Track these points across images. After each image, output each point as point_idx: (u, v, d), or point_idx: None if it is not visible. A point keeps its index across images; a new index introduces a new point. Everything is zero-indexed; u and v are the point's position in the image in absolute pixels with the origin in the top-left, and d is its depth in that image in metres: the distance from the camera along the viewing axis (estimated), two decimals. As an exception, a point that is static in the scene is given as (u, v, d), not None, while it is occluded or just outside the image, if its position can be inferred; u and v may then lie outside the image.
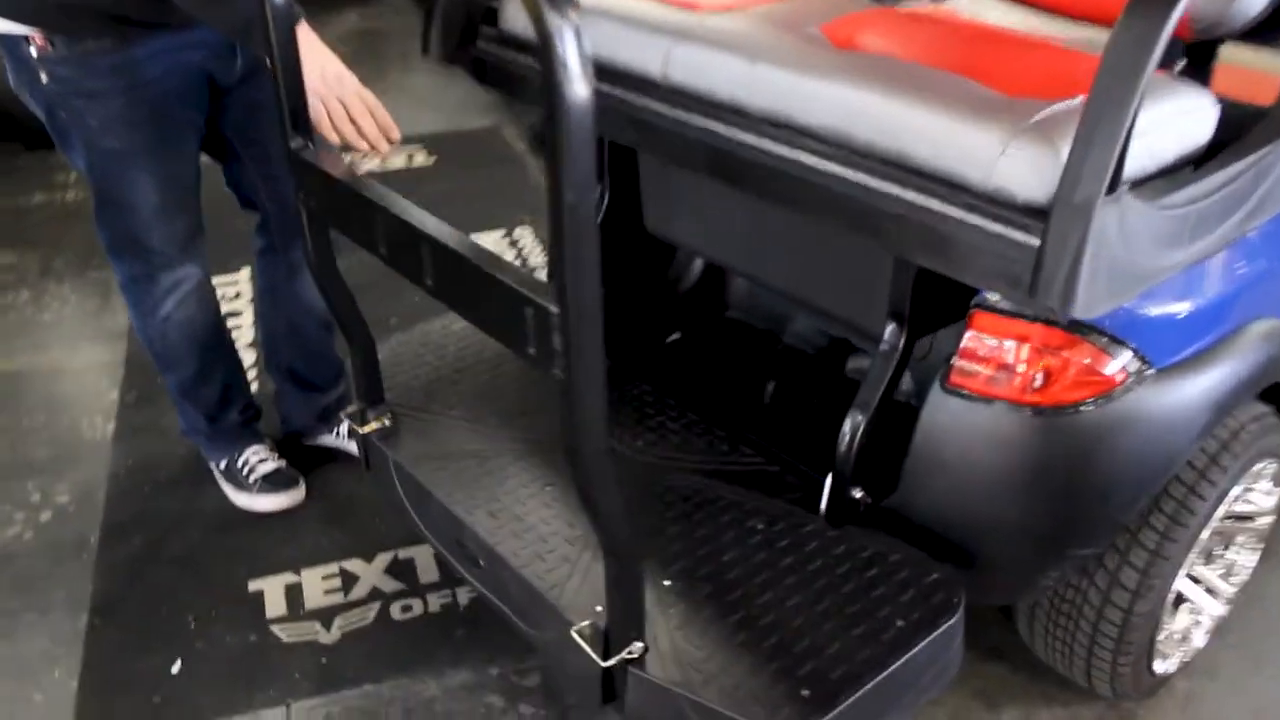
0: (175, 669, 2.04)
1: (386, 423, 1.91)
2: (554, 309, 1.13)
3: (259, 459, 2.47)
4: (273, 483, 2.45)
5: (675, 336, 2.31)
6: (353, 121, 1.76)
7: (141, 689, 2.00)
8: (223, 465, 2.49)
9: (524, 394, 2.00)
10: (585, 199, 1.05)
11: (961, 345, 1.51)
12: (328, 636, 2.11)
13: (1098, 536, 1.59)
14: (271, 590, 2.22)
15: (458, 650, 2.02)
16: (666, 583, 1.56)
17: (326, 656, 2.06)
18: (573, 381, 1.15)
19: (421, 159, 4.50)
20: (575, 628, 1.43)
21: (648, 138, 1.73)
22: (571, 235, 1.06)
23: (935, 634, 1.45)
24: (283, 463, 2.49)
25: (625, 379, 2.03)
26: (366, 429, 1.90)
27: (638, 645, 1.39)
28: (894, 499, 1.63)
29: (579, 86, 0.98)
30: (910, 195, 1.33)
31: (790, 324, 2.25)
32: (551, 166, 1.03)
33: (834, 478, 1.64)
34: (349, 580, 2.24)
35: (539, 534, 1.66)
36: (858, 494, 1.64)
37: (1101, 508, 1.55)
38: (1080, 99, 1.22)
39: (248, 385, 2.54)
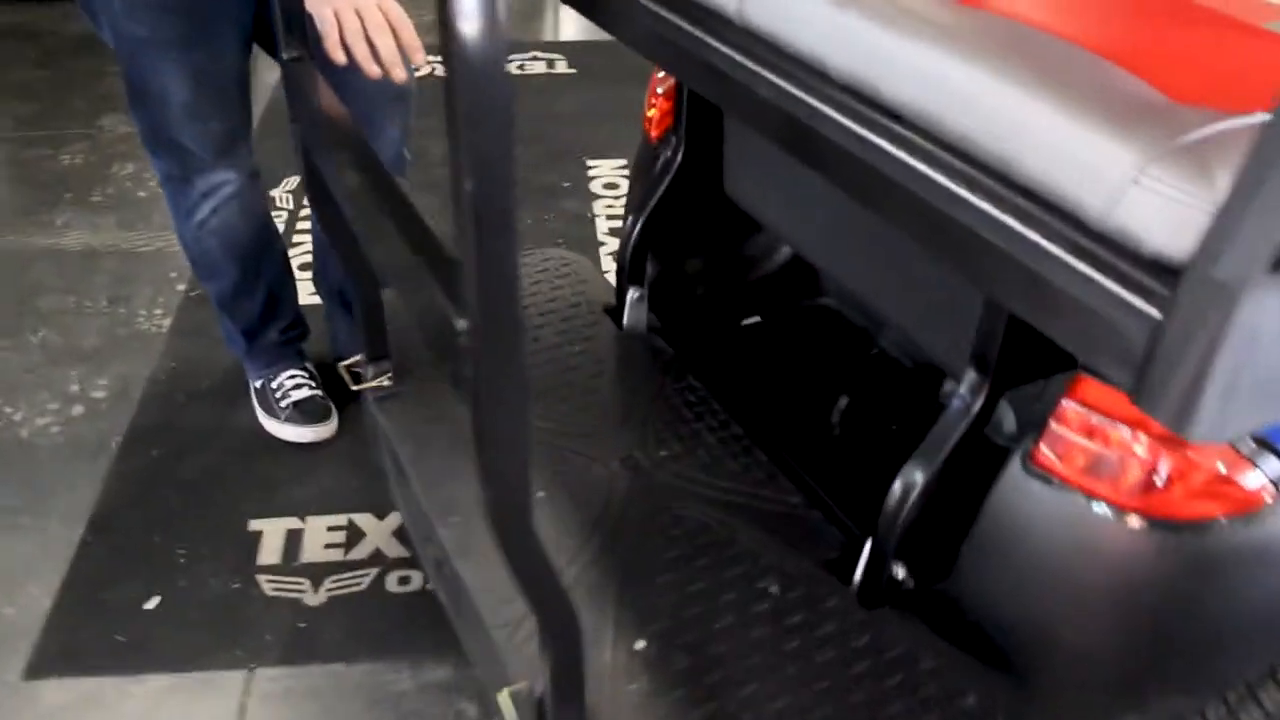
0: (151, 604, 1.90)
1: (386, 383, 1.67)
2: (460, 323, 0.84)
3: (294, 384, 2.29)
4: (303, 412, 2.26)
5: (752, 320, 1.98)
6: (368, 38, 1.48)
7: (110, 622, 1.86)
8: (258, 385, 2.32)
9: (553, 376, 1.73)
10: (494, 186, 0.75)
11: (1055, 416, 1.14)
12: (313, 598, 1.92)
13: (1201, 687, 1.23)
14: (271, 534, 2.04)
15: (442, 642, 1.79)
16: (639, 645, 1.27)
17: (305, 621, 1.87)
18: (482, 415, 0.86)
19: (563, 67, 4.25)
20: (507, 688, 1.17)
21: (719, 88, 1.39)
22: (477, 232, 0.77)
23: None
24: (319, 392, 2.30)
25: (678, 369, 1.73)
26: (361, 386, 1.66)
27: (573, 724, 1.11)
28: (945, 585, 1.29)
29: (482, 30, 0.68)
30: (1005, 218, 0.97)
31: (891, 326, 1.89)
32: (451, 140, 0.73)
33: (873, 546, 1.32)
34: (354, 536, 2.04)
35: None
36: (900, 572, 1.31)
37: (1215, 653, 1.18)
38: (1261, 117, 0.83)
39: (295, 303, 2.34)
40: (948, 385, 1.72)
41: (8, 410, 2.36)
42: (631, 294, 1.82)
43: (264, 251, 2.19)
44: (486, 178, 0.74)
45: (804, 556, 1.39)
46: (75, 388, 2.43)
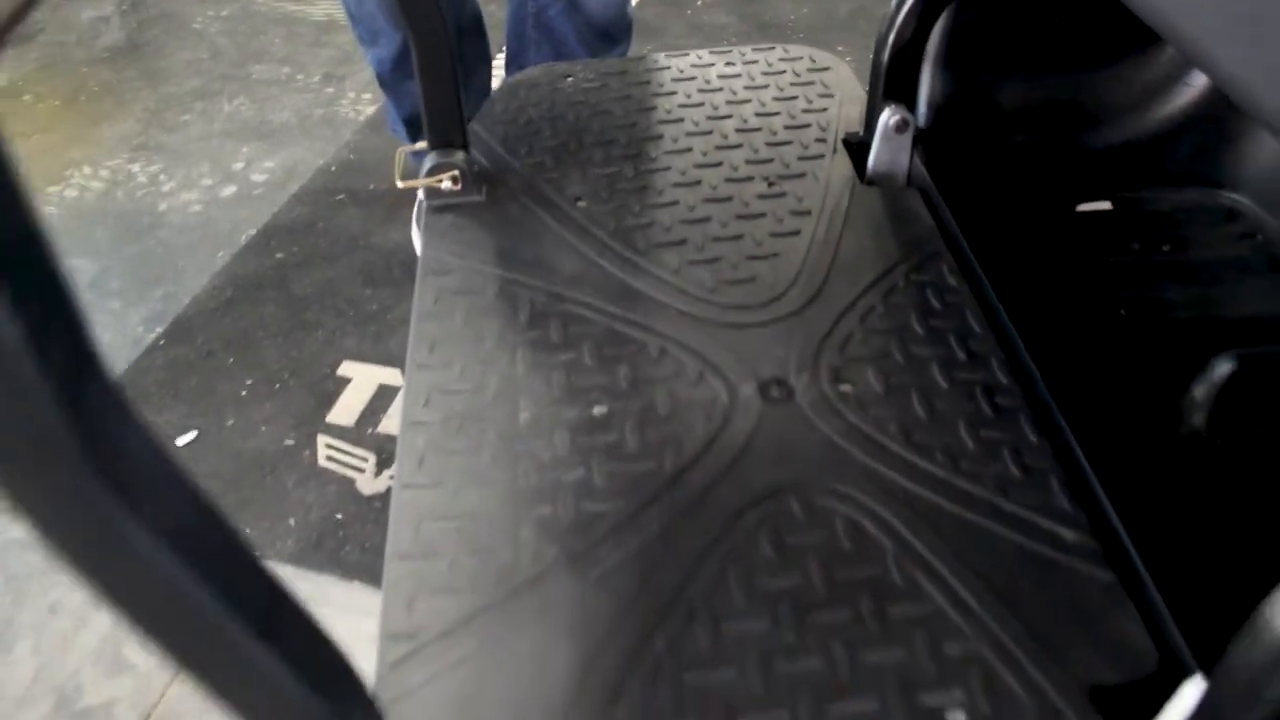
0: (184, 439, 1.45)
1: (452, 184, 1.06)
2: None
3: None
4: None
5: (1097, 207, 1.17)
6: None
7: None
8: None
9: (710, 228, 1.03)
10: None
11: None
12: (369, 484, 1.39)
13: None
14: (359, 385, 1.53)
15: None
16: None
17: (346, 513, 1.34)
18: None
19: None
20: None
21: None
22: None
23: None
24: (485, 211, 1.74)
25: (936, 261, 0.98)
26: (410, 183, 1.06)
27: None
28: None
29: None
30: None
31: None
32: None
33: (1210, 693, 0.55)
34: (457, 412, 1.48)
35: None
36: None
37: None
38: None
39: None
40: None
41: (161, 178, 2.01)
42: (887, 118, 1.07)
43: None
44: None
45: (1055, 663, 0.64)
46: (239, 165, 2.03)
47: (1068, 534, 0.74)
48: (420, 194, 1.15)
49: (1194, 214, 1.14)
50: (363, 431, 1.46)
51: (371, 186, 1.95)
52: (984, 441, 0.80)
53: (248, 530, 1.32)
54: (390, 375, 1.54)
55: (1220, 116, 1.15)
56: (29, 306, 0.29)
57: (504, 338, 0.91)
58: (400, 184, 1.06)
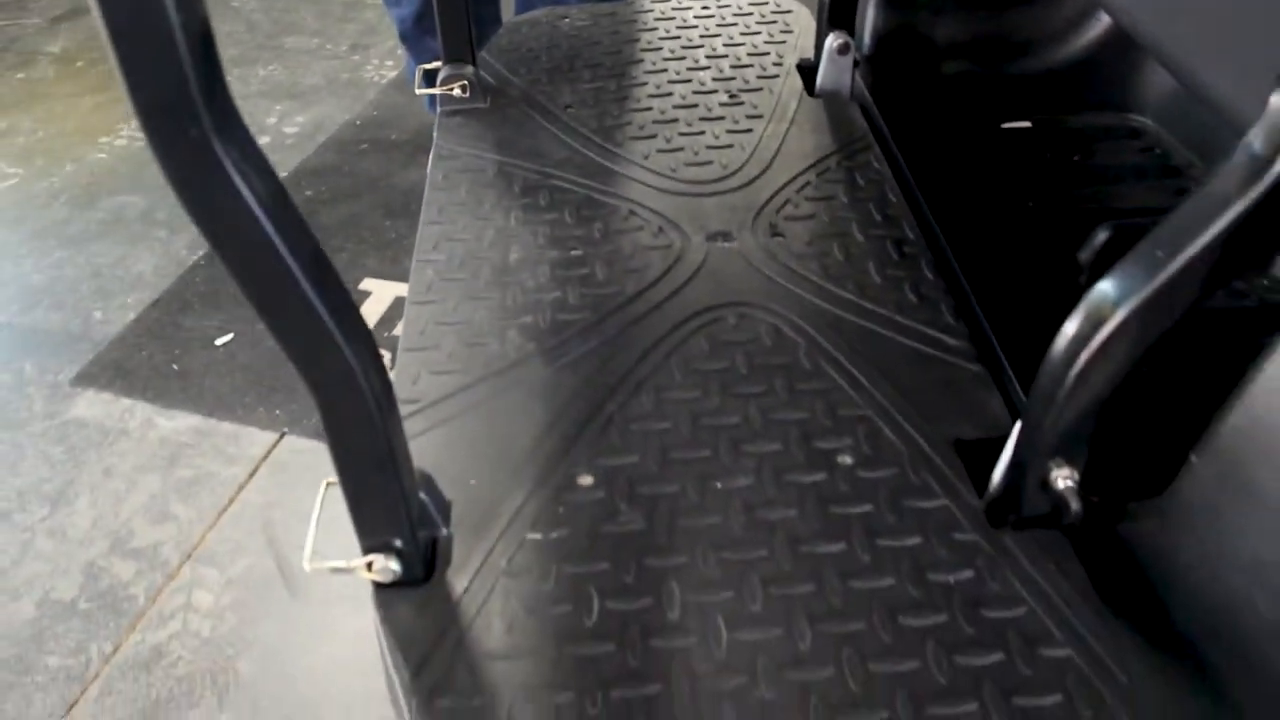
0: (221, 340, 1.64)
1: (462, 92, 1.24)
2: None
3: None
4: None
5: (1019, 125, 1.34)
6: None
7: (173, 349, 1.63)
8: (438, 142, 1.98)
9: (673, 124, 1.22)
10: None
11: None
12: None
13: None
14: (378, 297, 1.72)
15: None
16: (584, 480, 0.78)
17: (364, 398, 1.52)
18: None
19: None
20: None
21: None
22: None
23: None
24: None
25: (872, 154, 1.16)
26: (425, 91, 1.25)
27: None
28: (1142, 512, 0.69)
29: None
30: None
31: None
32: None
33: (1023, 433, 0.73)
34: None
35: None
36: (1062, 479, 0.71)
37: None
38: None
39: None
40: None
41: (202, 129, 2.21)
42: (832, 41, 1.25)
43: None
44: None
45: (928, 424, 0.82)
46: (271, 120, 2.23)
47: (950, 340, 0.91)
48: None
49: (1103, 132, 1.32)
50: (380, 334, 1.64)
51: (393, 136, 2.14)
52: (889, 278, 0.98)
53: (277, 412, 1.51)
54: (406, 290, 1.72)
55: (1127, 49, 1.32)
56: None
57: (500, 203, 1.09)
58: (417, 91, 1.25)
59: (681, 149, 1.16)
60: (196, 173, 0.54)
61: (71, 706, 1.19)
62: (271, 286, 0.59)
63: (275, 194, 0.58)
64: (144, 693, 1.20)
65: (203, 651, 1.24)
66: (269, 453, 1.45)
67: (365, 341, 0.64)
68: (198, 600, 1.29)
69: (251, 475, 1.42)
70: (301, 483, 1.41)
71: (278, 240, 0.57)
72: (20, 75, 2.50)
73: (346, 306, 0.63)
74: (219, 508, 1.39)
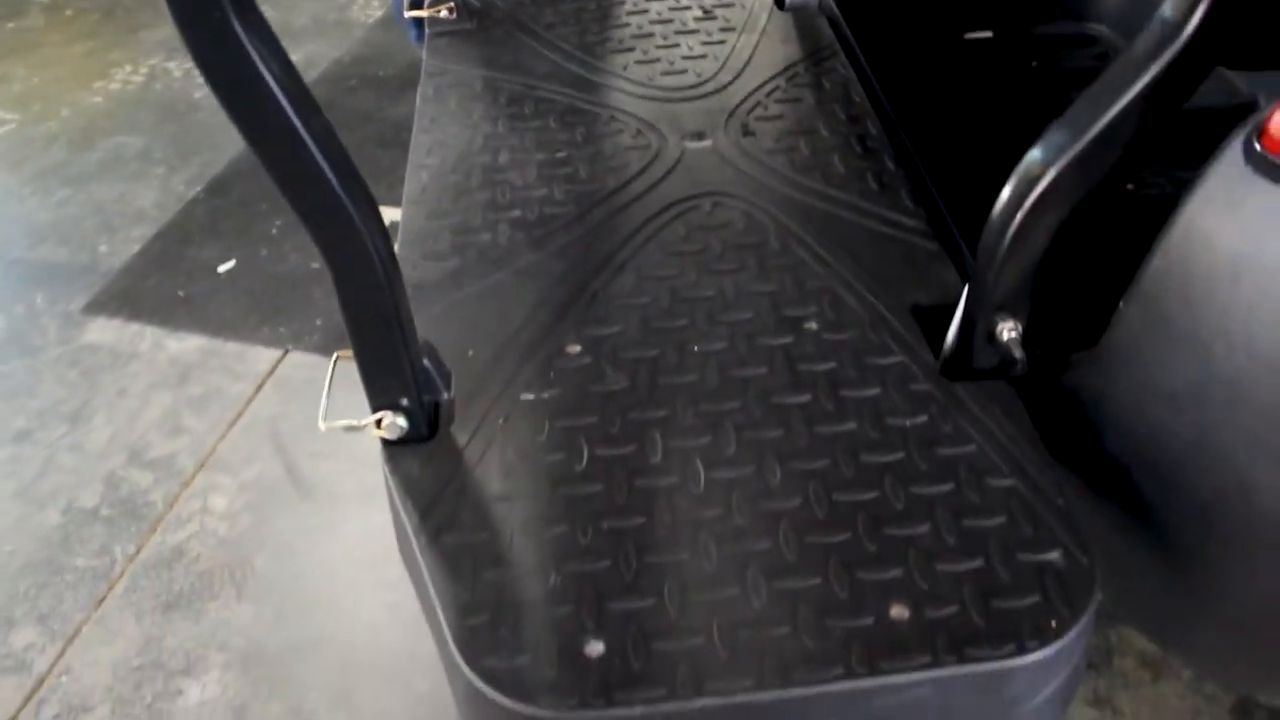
0: (224, 267, 1.70)
1: (445, 13, 1.30)
2: None
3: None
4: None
5: (980, 35, 1.40)
6: None
7: (179, 277, 1.69)
8: (426, 75, 2.04)
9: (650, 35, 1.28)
10: None
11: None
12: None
13: None
14: (373, 224, 1.77)
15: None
16: (573, 349, 0.86)
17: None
18: None
19: None
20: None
21: None
22: None
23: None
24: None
25: (838, 61, 1.23)
26: (414, 12, 1.31)
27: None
28: (1081, 361, 0.77)
29: None
30: None
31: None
32: None
33: (972, 291, 0.80)
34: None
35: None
36: (1007, 331, 0.79)
37: None
38: None
39: None
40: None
41: (195, 73, 2.24)
42: (799, -45, 1.31)
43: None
44: None
45: (887, 293, 0.90)
46: (263, 61, 2.27)
47: (908, 221, 0.99)
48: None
49: (1060, 40, 1.38)
50: (376, 259, 1.71)
51: (381, 73, 2.19)
52: (853, 168, 1.05)
53: (281, 329, 1.58)
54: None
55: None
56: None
57: (488, 113, 1.16)
58: (406, 14, 1.31)
59: (658, 60, 1.23)
60: (219, 52, 0.61)
61: (100, 601, 1.27)
62: (289, 157, 0.66)
63: (290, 72, 0.65)
64: (167, 587, 1.28)
65: (220, 549, 1.32)
66: (274, 368, 1.52)
67: (372, 211, 0.72)
68: (213, 504, 1.37)
69: (258, 389, 1.50)
70: (305, 395, 1.48)
71: (293, 115, 0.64)
72: (10, 25, 2.54)
73: (354, 176, 0.71)
74: (229, 420, 1.47)
